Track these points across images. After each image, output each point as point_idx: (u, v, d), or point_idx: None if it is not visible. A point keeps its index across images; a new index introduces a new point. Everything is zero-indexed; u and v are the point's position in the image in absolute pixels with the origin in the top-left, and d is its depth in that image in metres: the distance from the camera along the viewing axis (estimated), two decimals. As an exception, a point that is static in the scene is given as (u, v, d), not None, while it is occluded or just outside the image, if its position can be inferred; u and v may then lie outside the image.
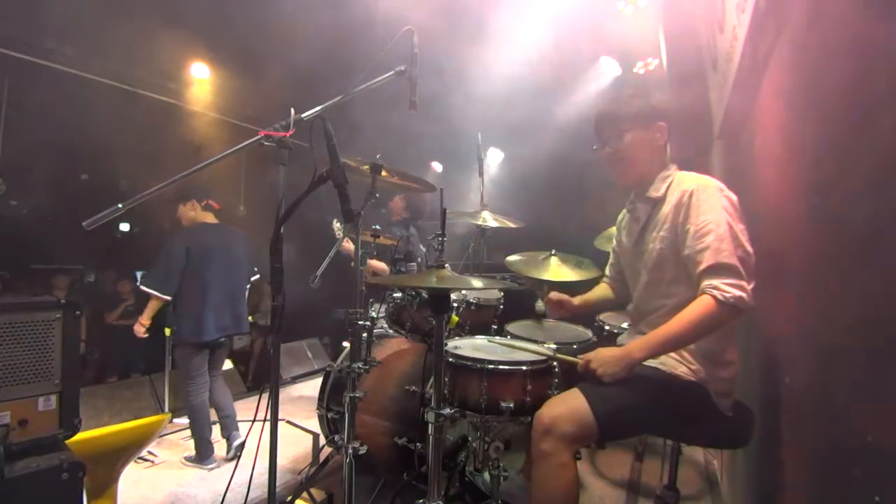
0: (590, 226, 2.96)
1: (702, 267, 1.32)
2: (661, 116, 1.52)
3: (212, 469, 2.71)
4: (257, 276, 3.18)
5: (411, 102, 1.62)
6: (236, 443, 2.78)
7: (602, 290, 1.90)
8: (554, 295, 1.88)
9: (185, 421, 3.28)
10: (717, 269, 1.30)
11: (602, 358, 1.40)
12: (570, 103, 4.12)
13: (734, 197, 1.39)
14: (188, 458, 2.82)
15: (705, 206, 1.36)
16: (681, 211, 1.41)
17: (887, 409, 0.71)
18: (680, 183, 1.47)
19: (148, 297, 2.76)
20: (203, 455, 2.78)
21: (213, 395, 2.90)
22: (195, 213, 2.93)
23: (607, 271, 1.91)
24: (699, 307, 1.30)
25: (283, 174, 1.41)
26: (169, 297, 2.73)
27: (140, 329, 2.84)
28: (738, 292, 1.26)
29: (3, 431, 1.06)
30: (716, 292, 1.27)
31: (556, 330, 2.31)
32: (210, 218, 2.96)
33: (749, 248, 1.32)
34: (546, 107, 4.21)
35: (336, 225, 3.40)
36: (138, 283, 2.83)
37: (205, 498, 2.42)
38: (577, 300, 1.87)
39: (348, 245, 2.99)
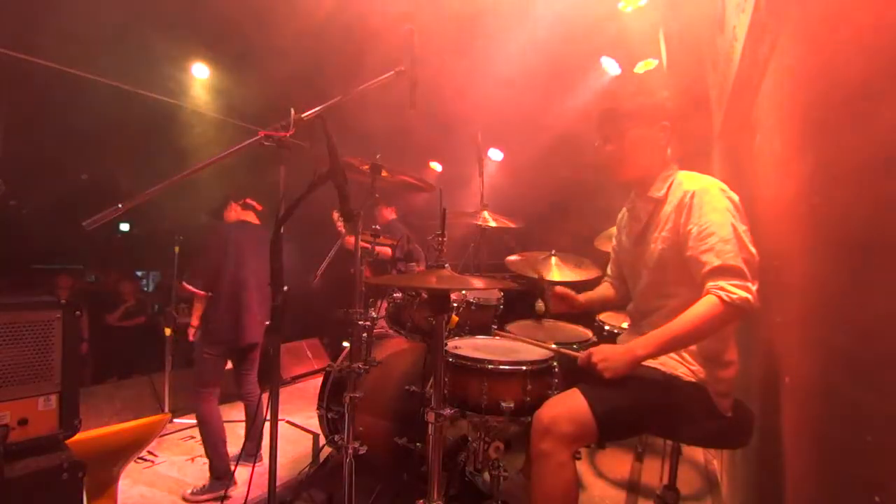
0: (590, 226, 2.96)
1: (706, 268, 1.32)
2: (664, 116, 1.50)
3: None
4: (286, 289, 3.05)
5: (412, 102, 1.62)
6: (252, 462, 2.62)
7: (604, 290, 1.90)
8: (559, 289, 1.86)
9: (185, 421, 3.28)
10: (723, 271, 1.29)
11: (604, 353, 1.40)
12: (570, 103, 4.11)
13: (736, 198, 1.38)
14: (196, 492, 2.42)
15: (708, 206, 1.36)
16: (682, 211, 1.40)
17: (887, 409, 0.71)
18: (682, 183, 1.46)
19: (192, 296, 2.68)
20: (219, 472, 2.46)
21: (250, 396, 2.82)
22: (236, 213, 2.87)
23: (608, 270, 1.90)
24: (704, 307, 1.30)
25: (283, 174, 1.41)
26: (209, 294, 2.63)
27: (191, 332, 2.72)
28: (743, 293, 1.26)
29: (3, 431, 1.06)
30: (722, 293, 1.27)
31: (556, 330, 2.32)
32: (251, 217, 2.88)
33: (753, 249, 1.32)
34: (546, 106, 4.21)
35: (336, 215, 3.40)
36: (182, 282, 2.68)
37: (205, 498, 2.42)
38: (581, 297, 1.86)
39: (352, 241, 3.00)
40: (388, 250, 3.06)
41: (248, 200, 2.90)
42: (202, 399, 2.59)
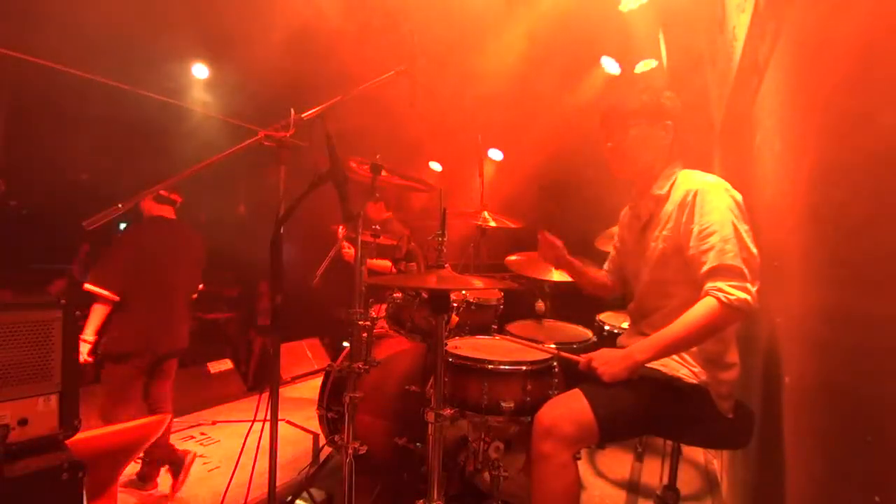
0: (590, 226, 2.96)
1: (705, 268, 1.31)
2: (668, 115, 1.50)
3: (211, 470, 2.70)
4: (202, 288, 2.83)
5: (412, 102, 1.62)
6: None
7: (601, 273, 1.89)
8: (548, 235, 1.82)
9: (186, 421, 3.28)
10: (721, 271, 1.29)
11: (604, 357, 1.40)
12: (571, 102, 4.12)
13: (739, 197, 1.37)
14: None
15: (710, 206, 1.35)
16: (685, 210, 1.40)
17: (887, 409, 0.71)
18: (684, 182, 1.46)
19: (89, 304, 2.28)
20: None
21: (160, 412, 2.55)
22: (148, 205, 2.50)
23: (605, 265, 1.90)
24: (703, 309, 1.29)
25: (283, 174, 1.41)
26: (118, 297, 2.31)
27: (85, 349, 2.23)
28: (742, 294, 1.25)
29: (3, 431, 1.06)
30: (720, 294, 1.27)
31: (556, 330, 2.32)
32: (167, 212, 2.54)
33: (754, 250, 1.31)
34: (546, 106, 4.22)
35: (342, 231, 3.40)
36: (84, 284, 2.29)
37: (205, 498, 2.42)
38: (574, 259, 1.84)
39: (348, 251, 3.00)
40: (388, 264, 3.07)
41: (163, 192, 2.49)
42: (121, 415, 2.30)
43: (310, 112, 1.43)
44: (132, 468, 2.47)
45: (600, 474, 2.59)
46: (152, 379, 2.55)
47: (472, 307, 2.12)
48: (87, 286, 2.28)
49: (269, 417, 1.40)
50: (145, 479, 2.46)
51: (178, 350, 2.60)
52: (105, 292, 2.28)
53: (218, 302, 5.33)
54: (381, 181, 2.06)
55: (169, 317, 2.51)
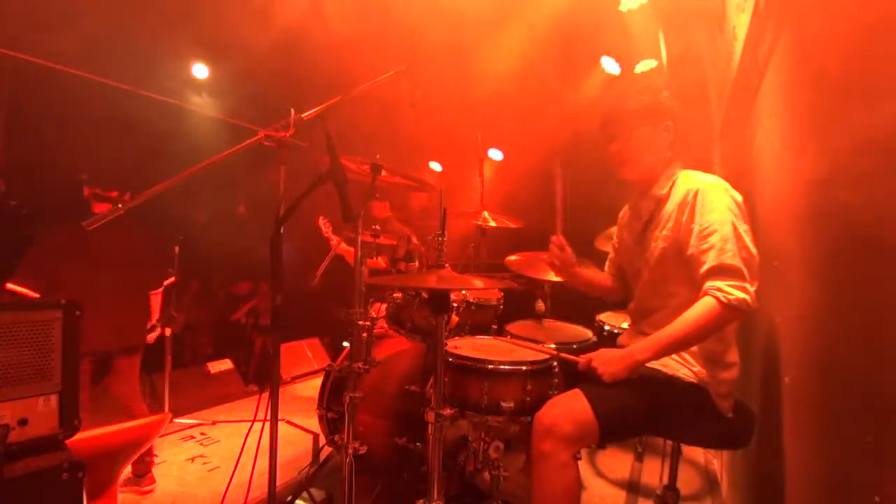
0: (590, 226, 2.95)
1: (705, 268, 1.32)
2: (669, 115, 1.50)
3: (211, 470, 2.70)
4: (171, 280, 2.83)
5: (412, 101, 1.62)
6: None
7: (603, 276, 1.89)
8: (558, 238, 1.75)
9: (185, 421, 3.28)
10: (721, 271, 1.29)
11: (604, 357, 1.40)
12: (571, 102, 4.11)
13: (739, 197, 1.38)
14: None
15: (710, 206, 1.36)
16: (685, 210, 1.40)
17: (887, 409, 0.71)
18: (684, 182, 1.46)
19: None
20: None
21: (129, 410, 2.54)
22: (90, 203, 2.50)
23: (605, 266, 1.90)
24: (702, 309, 1.30)
25: (283, 174, 1.41)
26: (38, 294, 2.30)
27: None
28: (741, 294, 1.26)
29: (3, 431, 1.06)
30: (719, 294, 1.27)
31: (556, 330, 2.32)
32: (105, 210, 2.67)
33: (753, 250, 1.31)
34: (546, 106, 4.21)
35: (324, 221, 3.40)
36: (7, 283, 2.32)
37: (205, 498, 2.42)
38: (578, 266, 1.79)
39: (343, 248, 3.00)
40: (383, 263, 3.07)
41: (99, 191, 2.51)
42: None
43: (310, 112, 1.42)
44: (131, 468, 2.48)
45: (600, 474, 2.59)
46: (107, 378, 2.52)
47: (472, 307, 2.12)
48: (11, 287, 2.27)
49: (269, 417, 1.40)
50: (142, 478, 2.47)
51: (124, 348, 2.55)
52: (23, 290, 2.27)
53: (236, 301, 5.39)
54: (381, 181, 2.06)
55: (108, 316, 2.44)
